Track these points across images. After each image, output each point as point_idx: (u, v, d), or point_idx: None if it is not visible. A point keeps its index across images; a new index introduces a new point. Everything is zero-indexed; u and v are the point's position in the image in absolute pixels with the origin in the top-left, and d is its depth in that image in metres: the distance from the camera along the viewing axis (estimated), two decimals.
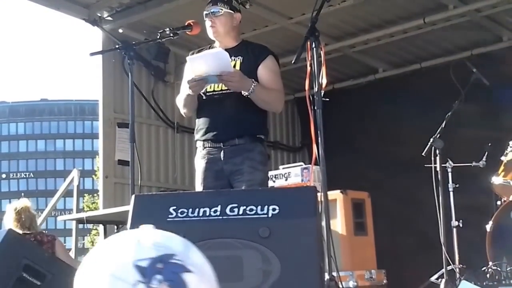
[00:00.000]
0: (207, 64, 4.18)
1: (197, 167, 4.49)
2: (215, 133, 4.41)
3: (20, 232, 5.87)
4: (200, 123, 4.51)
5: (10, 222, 5.98)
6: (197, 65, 4.22)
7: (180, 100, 4.53)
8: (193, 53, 4.50)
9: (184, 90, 4.41)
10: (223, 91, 4.36)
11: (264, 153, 4.46)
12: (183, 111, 4.59)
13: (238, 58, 4.44)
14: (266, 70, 4.42)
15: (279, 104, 4.55)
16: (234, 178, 4.33)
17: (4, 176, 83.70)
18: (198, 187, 4.43)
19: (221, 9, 4.44)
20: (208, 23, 4.48)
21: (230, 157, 4.34)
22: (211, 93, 4.42)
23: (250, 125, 4.41)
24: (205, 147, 4.45)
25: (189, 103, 4.49)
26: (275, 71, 4.48)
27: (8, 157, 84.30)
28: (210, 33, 4.50)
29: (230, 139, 4.37)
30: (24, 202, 6.18)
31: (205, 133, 4.45)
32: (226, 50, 4.42)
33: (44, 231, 6.28)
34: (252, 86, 4.23)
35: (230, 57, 4.36)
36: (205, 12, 4.51)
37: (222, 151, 4.37)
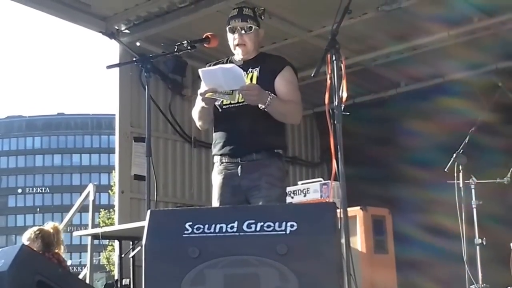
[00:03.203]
0: (219, 78, 4.07)
1: (214, 183, 4.40)
2: (232, 147, 4.31)
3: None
4: (217, 137, 4.42)
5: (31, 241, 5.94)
6: (209, 78, 4.12)
7: (195, 113, 4.44)
8: (209, 65, 4.39)
9: (199, 102, 4.32)
10: (240, 104, 4.26)
11: (282, 169, 4.34)
12: (198, 123, 4.51)
13: (256, 69, 4.35)
14: (283, 81, 4.32)
15: (297, 116, 4.44)
16: (251, 194, 4.23)
17: (20, 190, 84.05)
18: (215, 203, 4.34)
19: (251, 26, 4.35)
20: (236, 40, 4.37)
21: (248, 173, 4.25)
22: (227, 106, 4.32)
23: (267, 140, 4.31)
24: (222, 162, 4.36)
25: (204, 116, 4.41)
26: (292, 82, 4.37)
27: (25, 172, 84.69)
28: (238, 51, 4.40)
29: (248, 154, 4.27)
30: (53, 225, 6.18)
31: (222, 147, 4.36)
32: (245, 62, 4.35)
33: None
34: (269, 98, 4.12)
35: (248, 68, 4.30)
36: (230, 27, 4.39)
37: (240, 166, 4.27)
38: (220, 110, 4.34)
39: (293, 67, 4.43)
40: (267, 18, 4.54)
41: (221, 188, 4.32)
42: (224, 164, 4.34)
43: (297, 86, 4.40)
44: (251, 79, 4.29)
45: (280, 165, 4.31)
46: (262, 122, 4.22)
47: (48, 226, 6.21)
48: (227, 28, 4.41)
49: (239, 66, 4.25)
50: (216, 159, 4.42)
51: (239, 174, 4.26)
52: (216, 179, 4.38)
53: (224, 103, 4.31)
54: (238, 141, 4.30)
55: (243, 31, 4.35)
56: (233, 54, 4.49)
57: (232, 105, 4.29)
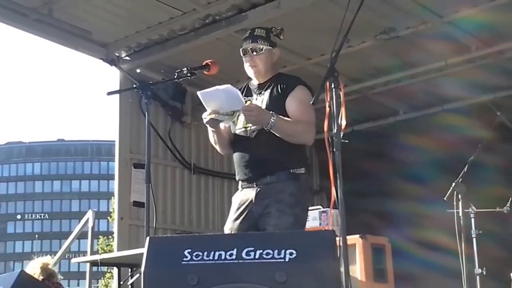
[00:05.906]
0: (218, 99, 4.09)
1: (232, 206, 4.37)
2: (246, 171, 4.28)
3: None
4: (235, 162, 4.39)
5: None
6: (208, 100, 4.14)
7: (210, 138, 4.44)
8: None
9: (208, 126, 4.33)
10: (250, 128, 4.24)
11: (296, 194, 4.19)
12: (217, 148, 4.49)
13: (267, 91, 4.31)
14: (293, 101, 4.24)
15: (306, 137, 4.30)
16: (261, 221, 4.17)
17: (19, 217, 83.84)
18: (227, 228, 4.32)
19: (262, 47, 4.34)
20: (248, 62, 4.37)
21: (261, 199, 4.19)
22: (240, 130, 4.31)
23: (281, 161, 4.21)
24: (243, 188, 4.33)
25: (217, 140, 4.38)
26: (303, 102, 4.22)
27: (24, 198, 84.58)
28: (250, 72, 4.40)
29: (262, 177, 4.21)
30: (45, 260, 6.09)
31: (238, 172, 4.34)
32: (259, 84, 4.37)
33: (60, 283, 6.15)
34: (272, 119, 4.06)
35: (261, 91, 4.30)
36: (242, 48, 4.40)
37: (255, 191, 4.22)
38: (233, 135, 4.35)
39: (308, 86, 4.36)
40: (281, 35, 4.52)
41: (234, 213, 4.30)
42: (244, 189, 4.31)
43: (309, 106, 4.20)
44: (261, 102, 4.28)
45: (293, 190, 4.18)
46: (274, 143, 4.15)
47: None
48: (240, 50, 4.42)
49: (255, 89, 4.32)
50: (239, 184, 4.40)
51: (253, 201, 4.21)
52: (234, 203, 4.35)
53: (237, 127, 4.31)
54: (251, 165, 4.26)
55: (254, 53, 4.35)
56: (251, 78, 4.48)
57: (244, 129, 4.29)
